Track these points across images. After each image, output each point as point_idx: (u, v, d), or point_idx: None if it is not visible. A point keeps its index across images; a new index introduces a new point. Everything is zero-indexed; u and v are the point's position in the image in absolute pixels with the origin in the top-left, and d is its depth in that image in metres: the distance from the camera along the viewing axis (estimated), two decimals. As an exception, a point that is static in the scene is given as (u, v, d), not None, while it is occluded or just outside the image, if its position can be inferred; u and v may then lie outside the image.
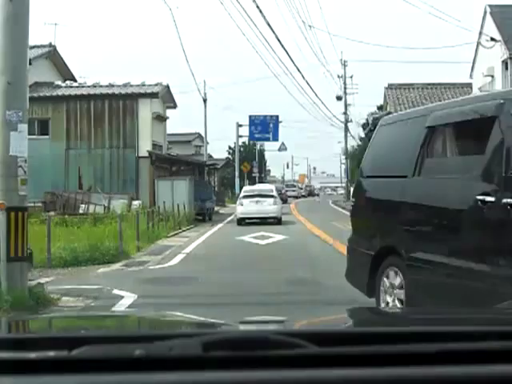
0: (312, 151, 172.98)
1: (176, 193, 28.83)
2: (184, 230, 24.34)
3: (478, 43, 29.87)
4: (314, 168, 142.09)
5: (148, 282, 11.06)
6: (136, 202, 28.23)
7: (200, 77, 66.44)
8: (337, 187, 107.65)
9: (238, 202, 28.40)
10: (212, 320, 2.32)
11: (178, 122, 67.75)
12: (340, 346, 1.44)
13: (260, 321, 2.25)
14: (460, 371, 1.35)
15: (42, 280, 11.19)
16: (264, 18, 23.58)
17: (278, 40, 26.70)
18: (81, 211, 26.94)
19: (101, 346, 1.41)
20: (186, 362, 1.33)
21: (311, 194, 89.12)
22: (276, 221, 26.93)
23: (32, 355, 1.37)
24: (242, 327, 2.06)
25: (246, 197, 27.93)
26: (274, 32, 25.46)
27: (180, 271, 11.99)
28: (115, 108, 30.73)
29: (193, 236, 21.87)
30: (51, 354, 1.39)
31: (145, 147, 30.63)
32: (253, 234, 20.88)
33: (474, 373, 1.35)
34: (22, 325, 2.25)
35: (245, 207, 27.15)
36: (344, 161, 73.76)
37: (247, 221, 26.85)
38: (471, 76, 32.76)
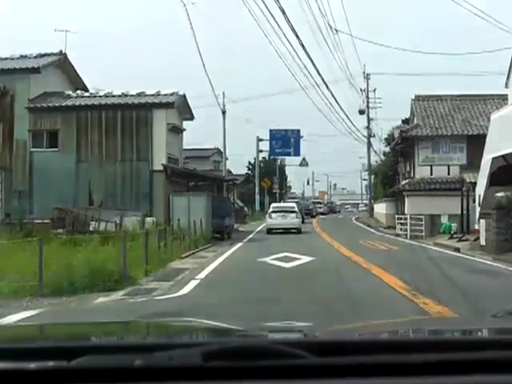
0: (332, 167, 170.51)
1: (192, 209, 27.41)
2: (200, 250, 23.04)
3: (517, 49, 27.87)
4: (335, 184, 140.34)
5: (150, 318, 9.13)
6: (149, 219, 26.90)
7: (218, 89, 64.68)
8: (357, 204, 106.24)
9: (267, 216, 37.50)
10: (212, 330, 2.35)
11: (196, 137, 65.94)
12: (339, 356, 1.43)
13: (260, 331, 2.19)
14: (460, 381, 1.35)
15: (27, 313, 9.46)
16: (292, 27, 21.78)
17: (304, 48, 24.95)
18: (91, 228, 25.61)
19: (101, 356, 1.41)
20: (185, 372, 1.34)
21: (332, 210, 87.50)
22: (297, 231, 34.72)
23: (32, 365, 1.37)
24: (242, 337, 2.01)
25: (274, 212, 36.83)
26: (298, 37, 23.68)
27: (191, 303, 10.17)
28: (128, 119, 29.13)
29: (210, 257, 20.12)
30: (51, 363, 1.40)
31: (159, 160, 29.06)
32: (276, 255, 18.82)
33: (474, 383, 1.34)
34: (21, 334, 2.21)
35: (273, 220, 35.80)
36: (365, 177, 72.06)
37: (274, 231, 34.48)
38: (507, 85, 30.68)
